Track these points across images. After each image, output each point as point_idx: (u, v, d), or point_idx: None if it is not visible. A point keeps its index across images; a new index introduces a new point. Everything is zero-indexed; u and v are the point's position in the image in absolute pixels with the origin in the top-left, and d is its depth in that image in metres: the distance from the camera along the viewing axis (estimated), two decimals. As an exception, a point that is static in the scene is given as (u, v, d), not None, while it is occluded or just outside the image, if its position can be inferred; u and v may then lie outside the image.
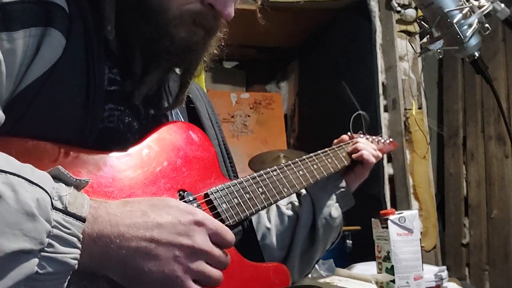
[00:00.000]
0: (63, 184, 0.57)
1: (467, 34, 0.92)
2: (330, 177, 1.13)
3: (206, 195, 0.80)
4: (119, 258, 0.57)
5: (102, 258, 0.57)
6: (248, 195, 0.86)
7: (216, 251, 0.66)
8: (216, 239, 0.66)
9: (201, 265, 0.63)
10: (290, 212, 1.13)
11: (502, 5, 0.93)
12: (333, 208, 1.13)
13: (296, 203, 1.15)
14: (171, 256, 0.60)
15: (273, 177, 0.94)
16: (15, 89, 0.65)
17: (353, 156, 1.19)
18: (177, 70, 0.92)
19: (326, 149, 1.17)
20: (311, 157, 1.08)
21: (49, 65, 0.66)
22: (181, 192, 0.77)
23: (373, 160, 1.20)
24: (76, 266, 0.53)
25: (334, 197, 1.15)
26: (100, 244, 0.56)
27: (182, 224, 0.62)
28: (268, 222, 1.10)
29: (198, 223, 0.64)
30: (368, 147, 1.21)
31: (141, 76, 0.79)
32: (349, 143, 1.23)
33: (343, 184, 1.18)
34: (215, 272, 0.65)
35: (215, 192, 0.81)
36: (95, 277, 0.59)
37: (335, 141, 1.25)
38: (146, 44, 0.76)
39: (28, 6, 0.65)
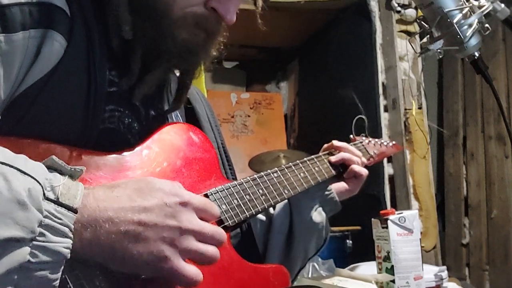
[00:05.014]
0: (58, 174, 0.57)
1: (467, 34, 0.92)
2: None
3: (206, 196, 0.80)
4: (109, 243, 0.58)
5: (92, 243, 0.57)
6: (248, 196, 0.86)
7: (207, 228, 0.65)
8: (203, 215, 0.66)
9: (191, 244, 0.63)
10: (262, 217, 1.10)
11: (502, 5, 0.93)
12: (314, 212, 1.08)
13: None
14: (159, 237, 0.60)
15: (274, 178, 0.94)
16: (16, 90, 0.65)
17: (345, 175, 1.13)
18: (177, 73, 0.92)
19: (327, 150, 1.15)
20: (312, 159, 1.07)
21: (50, 67, 0.66)
22: (180, 192, 0.76)
23: (365, 172, 1.14)
24: (69, 255, 0.54)
25: (317, 200, 1.09)
26: (90, 230, 0.56)
27: (168, 206, 0.62)
28: (239, 228, 1.04)
29: (184, 204, 0.64)
30: (353, 157, 1.13)
31: (140, 75, 0.79)
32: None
33: (328, 187, 1.11)
34: (208, 248, 0.64)
35: (214, 193, 0.81)
36: (86, 266, 0.59)
37: (325, 146, 1.18)
38: (148, 43, 0.77)
39: (28, 8, 0.65)
